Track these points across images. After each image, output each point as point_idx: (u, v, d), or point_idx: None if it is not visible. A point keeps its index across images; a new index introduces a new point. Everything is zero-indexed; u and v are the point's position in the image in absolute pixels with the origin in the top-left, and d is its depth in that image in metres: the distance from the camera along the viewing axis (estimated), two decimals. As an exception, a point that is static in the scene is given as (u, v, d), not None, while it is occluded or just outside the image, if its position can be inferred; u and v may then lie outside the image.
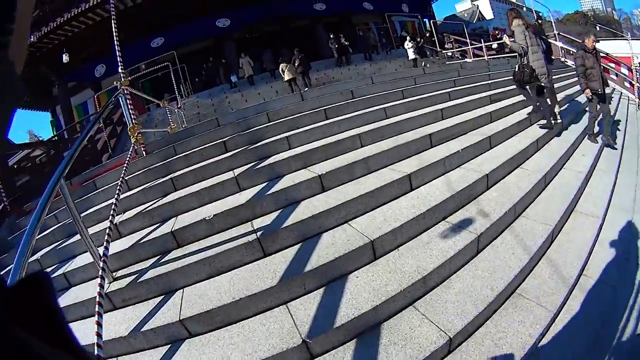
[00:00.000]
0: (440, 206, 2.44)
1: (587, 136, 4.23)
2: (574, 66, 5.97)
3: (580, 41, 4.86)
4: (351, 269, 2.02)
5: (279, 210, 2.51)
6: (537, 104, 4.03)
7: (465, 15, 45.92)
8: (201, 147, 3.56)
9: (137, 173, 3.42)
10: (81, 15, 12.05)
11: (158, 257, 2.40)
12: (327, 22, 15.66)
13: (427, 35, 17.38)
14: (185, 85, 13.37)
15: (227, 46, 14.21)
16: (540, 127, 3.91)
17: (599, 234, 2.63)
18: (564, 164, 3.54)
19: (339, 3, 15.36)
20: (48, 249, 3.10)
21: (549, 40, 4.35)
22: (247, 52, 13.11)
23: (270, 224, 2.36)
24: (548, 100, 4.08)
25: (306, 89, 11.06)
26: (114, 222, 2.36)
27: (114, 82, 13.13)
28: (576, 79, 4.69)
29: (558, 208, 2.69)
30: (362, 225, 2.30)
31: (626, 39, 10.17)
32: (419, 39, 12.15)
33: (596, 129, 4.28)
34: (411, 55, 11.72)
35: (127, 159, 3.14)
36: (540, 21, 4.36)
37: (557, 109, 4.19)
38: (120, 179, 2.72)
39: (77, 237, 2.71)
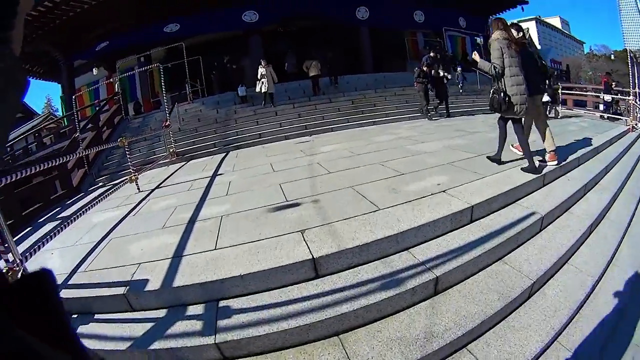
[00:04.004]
0: None
1: None
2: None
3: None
4: None
5: None
6: (502, 138, 3.45)
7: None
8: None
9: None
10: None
11: None
12: (372, 29, 13.43)
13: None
14: (197, 82, 11.59)
15: (253, 41, 12.25)
16: (522, 170, 3.19)
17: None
18: None
19: (384, 12, 13.09)
20: None
21: (544, 62, 3.49)
22: (274, 51, 11.14)
23: None
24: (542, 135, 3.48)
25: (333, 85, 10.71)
26: None
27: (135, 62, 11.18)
28: None
29: None
30: None
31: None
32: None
33: None
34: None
35: None
36: (522, 32, 2.92)
37: (552, 147, 3.47)
38: None
39: None
